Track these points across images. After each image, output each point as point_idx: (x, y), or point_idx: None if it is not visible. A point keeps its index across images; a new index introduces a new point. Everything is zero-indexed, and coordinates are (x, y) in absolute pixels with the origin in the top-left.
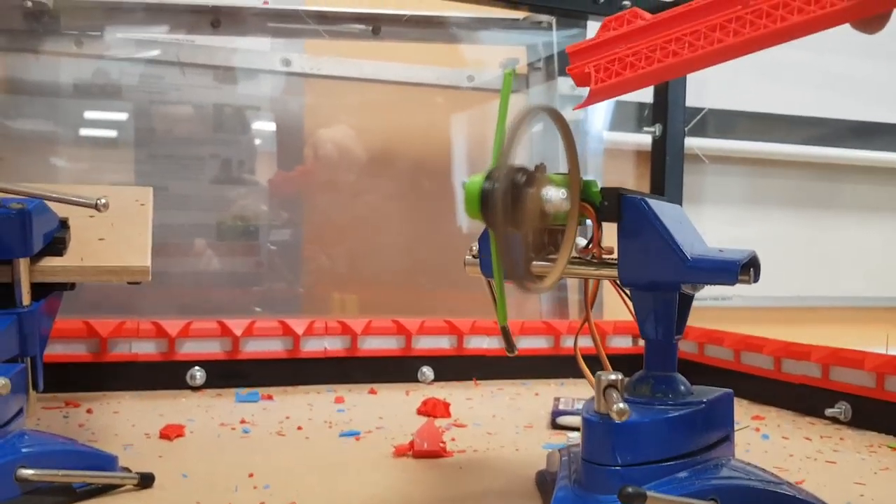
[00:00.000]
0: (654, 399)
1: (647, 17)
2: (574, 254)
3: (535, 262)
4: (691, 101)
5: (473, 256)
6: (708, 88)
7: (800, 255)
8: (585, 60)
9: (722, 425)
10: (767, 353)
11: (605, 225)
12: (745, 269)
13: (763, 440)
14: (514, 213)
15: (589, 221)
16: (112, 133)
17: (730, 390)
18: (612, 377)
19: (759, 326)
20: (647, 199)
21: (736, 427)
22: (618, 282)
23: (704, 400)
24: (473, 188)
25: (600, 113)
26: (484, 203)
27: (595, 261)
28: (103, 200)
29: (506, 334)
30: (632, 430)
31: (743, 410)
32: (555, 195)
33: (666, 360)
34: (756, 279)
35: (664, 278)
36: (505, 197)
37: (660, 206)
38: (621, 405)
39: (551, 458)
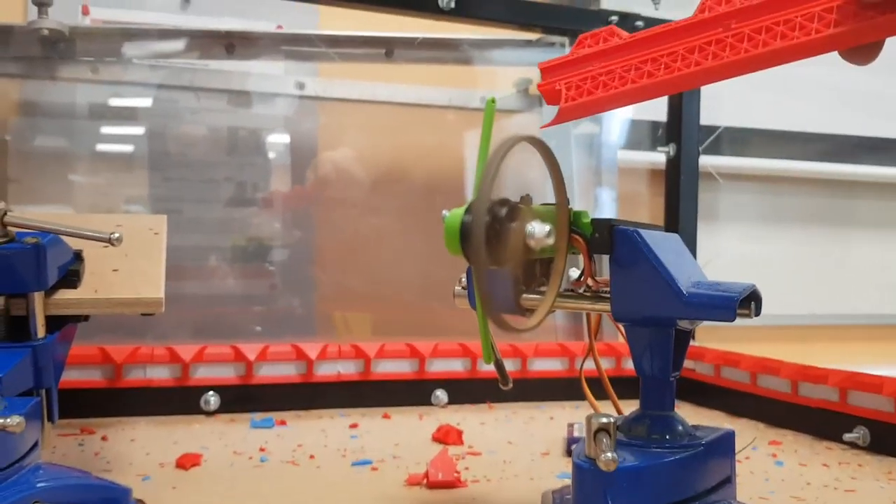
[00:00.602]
0: (651, 441)
1: (624, 35)
2: (568, 286)
3: (525, 296)
4: (706, 118)
5: (462, 288)
6: (722, 106)
7: (816, 272)
8: (556, 77)
9: (722, 467)
10: (784, 377)
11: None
12: (745, 303)
13: (778, 467)
14: (496, 249)
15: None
16: (127, 157)
17: (731, 429)
18: (604, 420)
19: (775, 345)
20: (640, 230)
21: (747, 448)
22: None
23: (703, 441)
24: (453, 222)
25: (614, 131)
26: (464, 238)
27: (588, 294)
28: (116, 235)
29: (499, 367)
30: (625, 477)
31: (759, 434)
32: (539, 229)
33: (663, 399)
34: (757, 313)
35: (659, 314)
36: (484, 232)
37: (654, 238)
38: (609, 455)
39: (545, 500)
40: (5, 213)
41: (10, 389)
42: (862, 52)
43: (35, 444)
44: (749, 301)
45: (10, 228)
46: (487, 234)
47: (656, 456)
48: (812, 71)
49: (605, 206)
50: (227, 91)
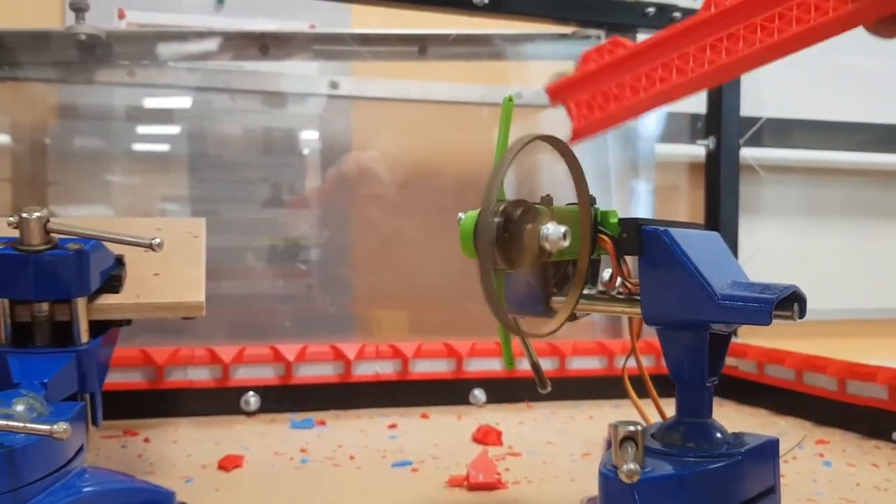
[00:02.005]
0: (686, 449)
1: (629, 45)
2: (600, 288)
3: (555, 298)
4: (746, 109)
5: None
6: (763, 96)
7: (862, 265)
8: (566, 98)
9: (764, 476)
10: (831, 374)
11: None
12: (787, 305)
13: (826, 467)
14: (509, 252)
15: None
16: (163, 158)
17: (775, 437)
18: (631, 428)
19: (820, 340)
20: (671, 230)
21: (795, 448)
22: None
23: (741, 450)
24: (468, 225)
25: (652, 124)
26: (474, 241)
27: (621, 296)
28: (157, 240)
29: (536, 370)
30: (651, 487)
31: (806, 433)
32: (553, 231)
33: (699, 405)
34: (801, 315)
35: (690, 317)
36: (492, 234)
37: (686, 237)
38: (632, 466)
39: None
40: (48, 221)
41: (55, 394)
42: (889, 23)
43: (80, 449)
44: (792, 302)
45: (52, 235)
46: (500, 236)
47: (688, 465)
48: (856, 60)
49: (642, 201)
50: (262, 92)
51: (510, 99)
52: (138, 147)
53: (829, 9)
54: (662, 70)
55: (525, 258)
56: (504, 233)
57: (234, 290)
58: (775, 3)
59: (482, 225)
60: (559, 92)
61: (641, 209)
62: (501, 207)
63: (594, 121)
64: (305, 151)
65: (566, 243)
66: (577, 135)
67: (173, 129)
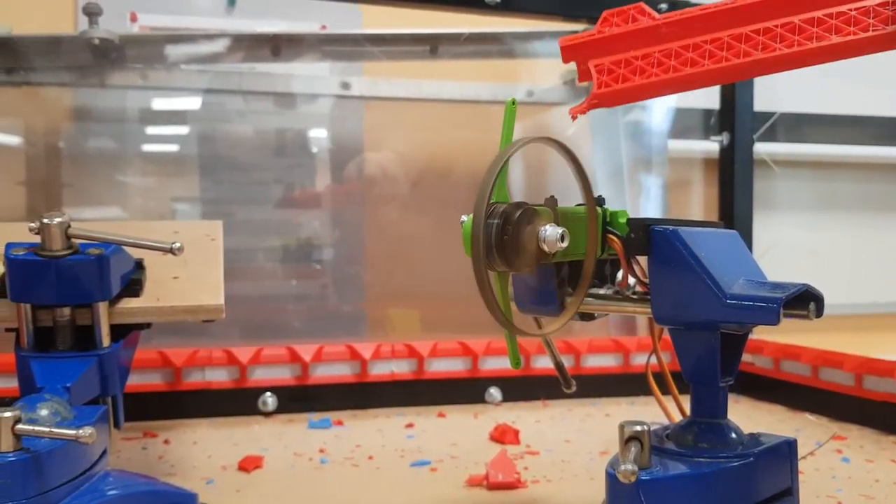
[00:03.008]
0: (698, 450)
1: (656, 16)
2: (615, 287)
3: (569, 299)
4: (760, 104)
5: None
6: (777, 91)
7: (877, 259)
8: (584, 57)
9: (780, 478)
10: (848, 370)
11: None
12: (803, 303)
13: (844, 464)
14: (508, 253)
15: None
16: (177, 160)
17: (792, 438)
18: (637, 428)
19: (836, 335)
20: (680, 229)
21: (815, 446)
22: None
23: (754, 451)
24: (468, 227)
25: (664, 119)
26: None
27: (634, 296)
28: (178, 244)
29: (560, 370)
30: (656, 487)
31: (823, 429)
32: (551, 233)
33: (713, 406)
34: (818, 314)
35: (700, 317)
36: (484, 236)
37: (697, 237)
38: (629, 466)
39: None
40: (69, 226)
41: (78, 398)
42: None
43: (104, 452)
44: (807, 301)
45: (73, 240)
46: (498, 238)
47: (697, 466)
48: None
49: (656, 198)
50: (274, 93)
51: (513, 102)
52: (152, 149)
53: (868, 26)
54: (694, 51)
55: (525, 260)
56: (503, 234)
57: (248, 291)
58: (815, 6)
59: (475, 227)
60: (575, 50)
61: (655, 206)
62: (500, 209)
63: (618, 91)
64: (318, 152)
65: (564, 245)
66: (599, 102)
67: (186, 131)
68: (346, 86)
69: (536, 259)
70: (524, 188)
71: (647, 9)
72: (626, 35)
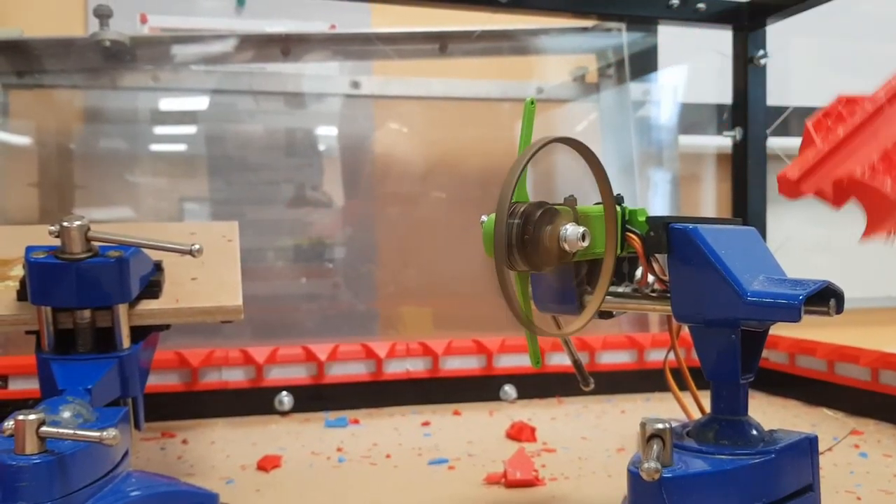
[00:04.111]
0: (719, 447)
1: (876, 99)
2: (634, 286)
3: (588, 297)
4: (773, 99)
5: None
6: (790, 86)
7: (892, 253)
8: (826, 176)
9: (801, 474)
10: (864, 364)
11: None
12: (823, 300)
13: (862, 458)
14: (528, 253)
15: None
16: (189, 160)
17: (813, 434)
18: (659, 426)
19: (850, 329)
20: (700, 227)
21: (833, 441)
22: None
23: (776, 448)
24: (489, 227)
25: (676, 115)
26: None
27: (653, 294)
28: (197, 246)
29: (578, 368)
30: (679, 484)
31: (839, 424)
32: (572, 233)
33: (734, 403)
34: (839, 310)
35: (720, 315)
36: (506, 237)
37: (716, 234)
38: (652, 464)
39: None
40: (89, 229)
41: (99, 400)
42: None
43: (126, 453)
44: (827, 297)
45: (93, 243)
46: (519, 238)
47: (718, 463)
48: (882, 47)
49: (667, 193)
50: (284, 93)
51: (532, 102)
52: (163, 150)
53: None
54: None
55: (546, 259)
56: (523, 234)
57: (261, 291)
58: None
59: (497, 228)
60: (808, 176)
61: (666, 201)
62: (521, 209)
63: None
64: (328, 151)
65: (585, 244)
66: (882, 221)
67: (197, 132)
68: (355, 85)
69: (557, 258)
70: (531, 187)
71: (858, 98)
72: (854, 134)
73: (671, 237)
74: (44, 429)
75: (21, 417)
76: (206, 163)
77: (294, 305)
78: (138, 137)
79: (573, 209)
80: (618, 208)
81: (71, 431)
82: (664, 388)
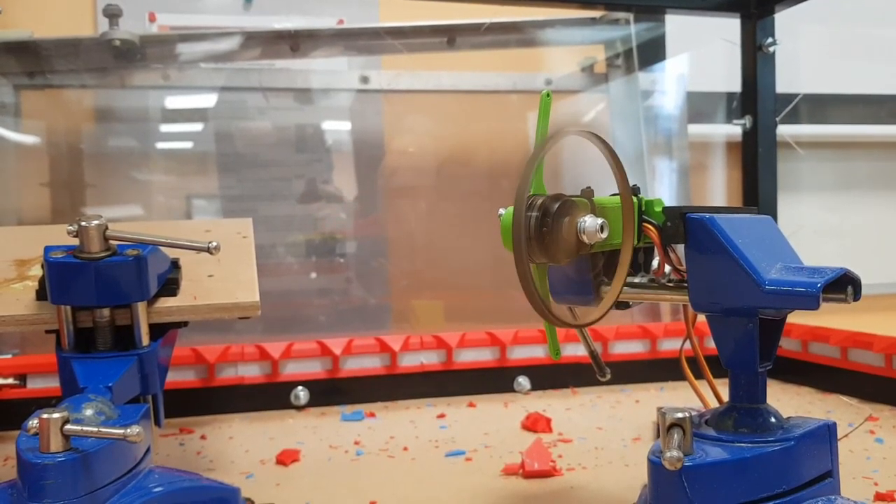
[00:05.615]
0: (738, 435)
1: None
2: (650, 276)
3: (605, 287)
4: (782, 87)
5: None
6: (800, 73)
7: None
8: None
9: (820, 461)
10: (878, 351)
11: None
12: (840, 287)
13: (878, 444)
14: (547, 245)
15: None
16: (199, 158)
17: (831, 421)
18: (679, 415)
19: (863, 315)
20: (716, 216)
21: (849, 427)
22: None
23: (795, 435)
24: (507, 220)
25: (686, 104)
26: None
27: (670, 284)
28: (214, 244)
29: (595, 359)
30: (699, 473)
31: (854, 411)
32: (590, 224)
33: (752, 391)
34: (856, 297)
35: (738, 303)
36: (525, 229)
37: (732, 224)
38: (675, 453)
39: (643, 492)
40: (107, 228)
41: (120, 397)
42: None
43: (147, 450)
44: (844, 284)
45: (111, 242)
46: (537, 230)
47: (738, 451)
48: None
49: (677, 182)
50: (293, 89)
51: (548, 94)
52: (173, 147)
53: None
54: None
55: (564, 251)
56: (542, 227)
57: (273, 286)
58: None
59: (516, 221)
60: None
61: (677, 190)
62: (539, 202)
63: None
64: (338, 147)
65: (604, 236)
66: None
67: (207, 129)
68: (365, 80)
69: (576, 250)
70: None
71: None
72: None
73: (688, 227)
74: (68, 427)
75: (45, 416)
76: (217, 160)
77: (306, 300)
78: (148, 136)
79: (590, 201)
80: (634, 199)
81: (95, 429)
82: (678, 377)
